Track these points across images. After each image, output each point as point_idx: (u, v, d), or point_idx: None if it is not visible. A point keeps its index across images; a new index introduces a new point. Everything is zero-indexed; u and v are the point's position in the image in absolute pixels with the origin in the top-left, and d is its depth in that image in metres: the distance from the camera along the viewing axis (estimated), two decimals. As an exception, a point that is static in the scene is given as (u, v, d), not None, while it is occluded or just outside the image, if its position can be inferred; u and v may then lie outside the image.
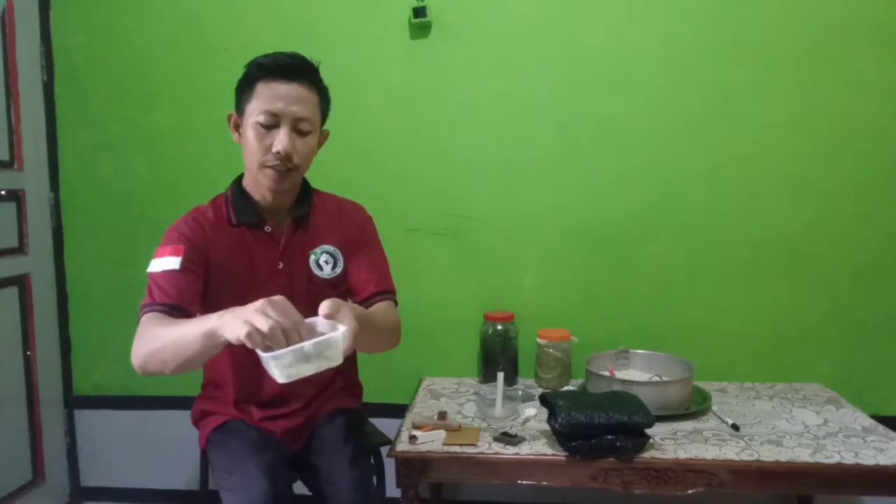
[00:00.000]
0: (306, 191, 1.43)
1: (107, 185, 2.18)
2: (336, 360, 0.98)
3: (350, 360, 1.59)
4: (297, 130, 1.28)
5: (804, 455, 1.44)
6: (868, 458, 1.42)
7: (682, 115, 1.94)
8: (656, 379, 1.77)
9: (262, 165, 1.27)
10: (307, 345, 0.95)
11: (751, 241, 1.95)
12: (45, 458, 2.18)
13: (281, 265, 1.37)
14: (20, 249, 2.09)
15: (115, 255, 2.19)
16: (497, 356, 1.94)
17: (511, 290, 2.05)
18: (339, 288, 1.42)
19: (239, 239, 1.36)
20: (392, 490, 1.54)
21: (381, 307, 1.35)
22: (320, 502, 1.33)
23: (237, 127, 1.34)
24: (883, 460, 1.41)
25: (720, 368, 1.98)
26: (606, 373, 1.78)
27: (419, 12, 1.94)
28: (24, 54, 2.07)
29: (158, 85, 2.11)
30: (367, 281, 1.39)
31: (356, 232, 1.44)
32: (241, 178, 1.41)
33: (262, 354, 0.95)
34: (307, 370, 0.96)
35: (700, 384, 1.83)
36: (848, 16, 1.85)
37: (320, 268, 1.40)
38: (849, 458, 1.42)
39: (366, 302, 1.37)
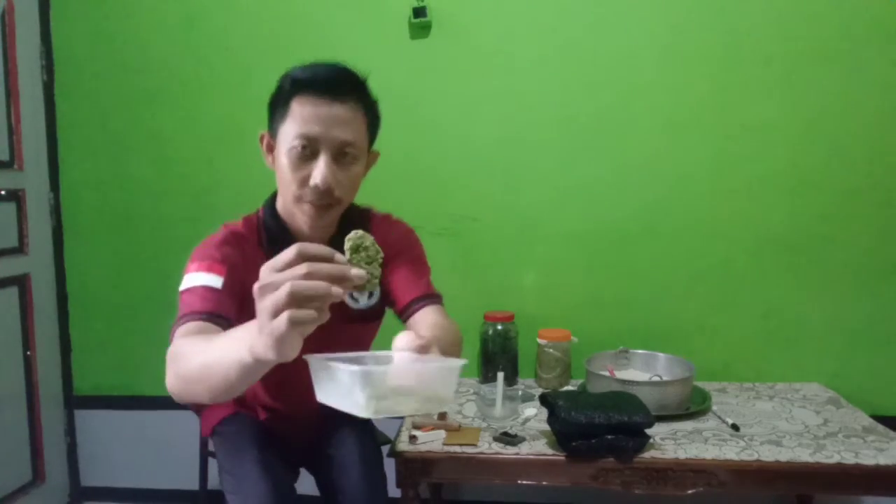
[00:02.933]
0: (352, 218, 1.24)
1: (107, 185, 2.18)
2: (447, 400, 0.73)
3: None
4: (340, 158, 1.09)
5: (804, 455, 1.44)
6: (868, 458, 1.42)
7: (682, 115, 1.94)
8: (656, 379, 1.77)
9: (299, 200, 1.10)
10: (433, 365, 0.72)
11: (751, 242, 1.95)
12: (45, 458, 2.18)
13: None
14: (20, 249, 2.09)
15: (115, 255, 2.20)
16: (497, 356, 1.94)
17: (511, 290, 2.05)
18: (376, 321, 1.32)
19: None
20: (392, 490, 1.54)
21: (436, 320, 1.13)
22: (330, 494, 1.29)
23: (270, 149, 1.15)
24: (883, 460, 1.41)
25: (720, 368, 1.98)
26: (606, 373, 1.78)
27: (419, 12, 1.94)
28: (24, 54, 2.07)
29: (159, 85, 2.11)
30: (409, 283, 1.21)
31: (396, 246, 1.24)
32: (274, 197, 1.23)
33: (343, 368, 0.67)
34: (407, 407, 0.72)
35: (700, 384, 1.83)
36: (848, 16, 1.85)
37: (354, 299, 1.26)
38: (849, 458, 1.42)
39: (410, 307, 1.19)
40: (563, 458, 1.46)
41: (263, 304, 0.63)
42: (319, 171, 1.07)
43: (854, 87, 1.87)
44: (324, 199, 1.10)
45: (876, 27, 1.85)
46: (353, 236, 0.74)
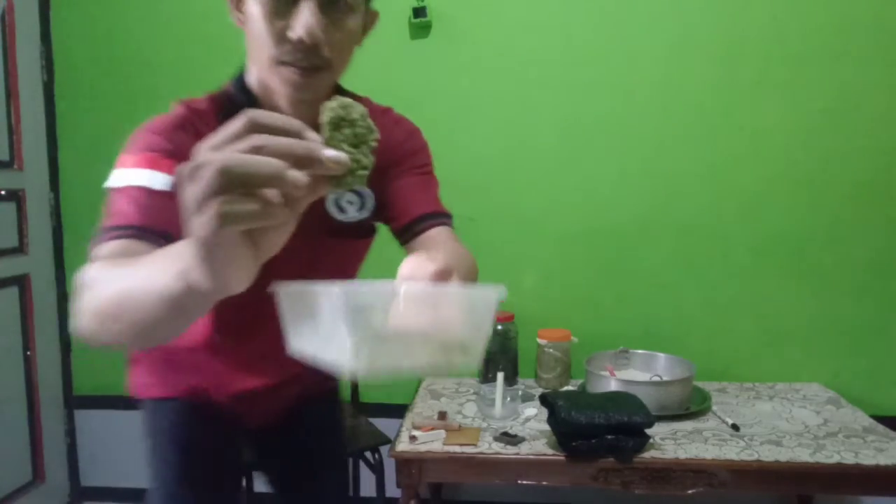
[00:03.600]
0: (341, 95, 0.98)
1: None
2: (476, 348, 0.52)
3: None
4: (330, 7, 0.82)
5: (804, 455, 1.44)
6: (868, 458, 1.42)
7: (681, 115, 1.94)
8: (656, 379, 1.77)
9: (276, 62, 0.82)
10: (456, 293, 0.53)
11: (751, 241, 1.95)
12: (45, 458, 2.18)
13: None
14: (20, 249, 2.09)
15: (115, 255, 2.20)
16: (497, 356, 1.93)
17: (511, 290, 2.04)
18: (367, 237, 1.07)
19: None
20: (392, 490, 1.54)
21: (448, 245, 0.96)
22: (286, 492, 1.15)
23: (238, 4, 0.88)
24: (883, 460, 1.41)
25: (720, 368, 1.98)
26: (606, 373, 1.78)
27: (419, 12, 1.94)
28: (24, 54, 2.07)
29: (159, 84, 2.11)
30: (414, 196, 1.01)
31: (402, 156, 1.03)
32: (241, 76, 0.95)
33: (323, 290, 0.47)
34: (417, 358, 0.49)
35: (700, 384, 1.83)
36: (848, 16, 1.85)
37: (341, 209, 0.97)
38: (849, 458, 1.42)
39: (414, 225, 0.98)
40: (563, 458, 1.46)
41: (186, 195, 0.43)
42: (303, 19, 0.80)
43: (854, 88, 1.87)
44: (309, 58, 0.81)
45: (876, 28, 1.85)
46: (334, 104, 0.51)
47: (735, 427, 1.57)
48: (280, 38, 0.81)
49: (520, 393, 1.77)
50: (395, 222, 1.00)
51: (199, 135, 0.86)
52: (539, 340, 1.92)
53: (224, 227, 0.42)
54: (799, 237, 1.93)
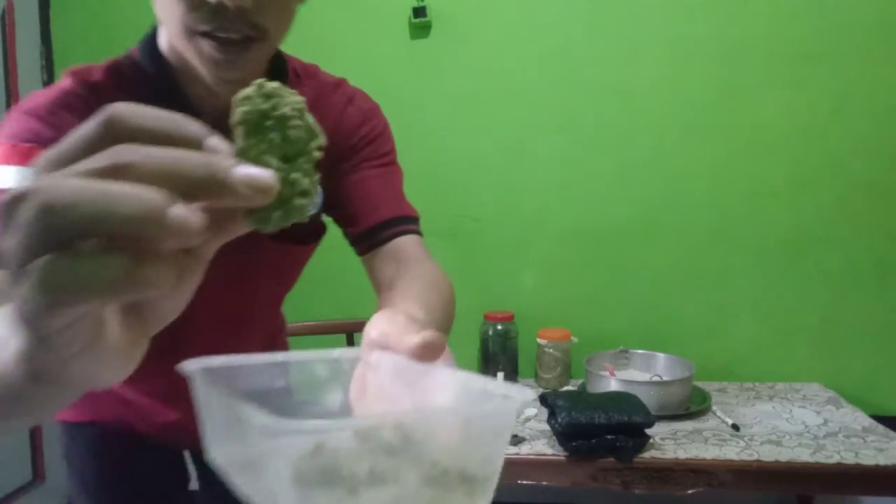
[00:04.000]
0: (278, 76, 0.75)
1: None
2: (488, 483, 0.34)
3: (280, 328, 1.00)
4: None
5: (804, 455, 1.44)
6: (868, 458, 1.42)
7: (681, 114, 1.94)
8: (656, 379, 1.77)
9: (190, 32, 0.64)
10: (464, 408, 0.37)
11: (751, 241, 1.95)
12: (45, 458, 2.18)
13: None
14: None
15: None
16: (497, 356, 1.94)
17: (511, 290, 2.05)
18: (313, 243, 0.89)
19: None
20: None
21: (419, 266, 0.80)
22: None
23: None
24: (883, 460, 1.41)
25: (720, 368, 1.98)
26: (606, 373, 1.78)
27: (419, 12, 1.94)
28: (24, 54, 2.07)
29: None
30: (376, 194, 0.84)
31: (358, 143, 0.85)
32: (153, 40, 0.75)
33: (258, 422, 0.27)
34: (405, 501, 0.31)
35: (700, 384, 1.83)
36: (848, 15, 1.85)
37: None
38: (849, 458, 1.42)
39: (377, 233, 0.81)
40: (563, 458, 1.46)
41: (5, 243, 0.27)
42: None
43: (854, 87, 1.87)
44: (235, 27, 0.63)
45: (876, 27, 1.85)
46: (250, 92, 0.34)
47: (735, 427, 1.57)
48: (195, 2, 0.62)
49: (520, 393, 1.77)
50: (352, 227, 0.81)
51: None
52: (539, 340, 1.92)
53: (56, 303, 0.25)
54: (799, 237, 1.93)
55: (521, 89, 1.99)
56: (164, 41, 0.73)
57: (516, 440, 1.51)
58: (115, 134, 0.27)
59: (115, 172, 0.26)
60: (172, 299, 0.32)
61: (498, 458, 0.34)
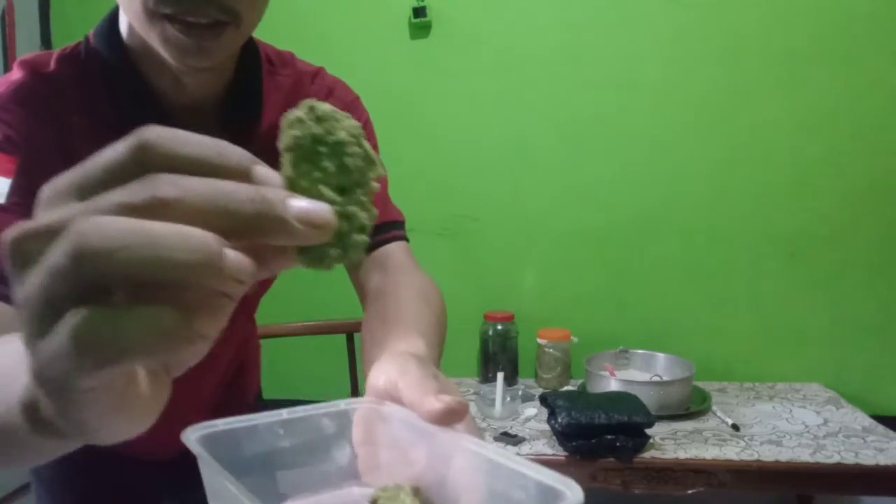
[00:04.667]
0: (251, 64, 0.73)
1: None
2: None
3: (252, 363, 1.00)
4: None
5: (804, 455, 1.44)
6: (868, 458, 1.42)
7: (682, 114, 1.94)
8: (656, 379, 1.77)
9: (151, 14, 0.57)
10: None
11: (751, 241, 1.95)
12: (46, 458, 2.18)
13: None
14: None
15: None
16: (497, 356, 1.94)
17: (511, 290, 2.05)
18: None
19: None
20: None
21: (411, 278, 0.74)
22: None
23: None
24: (883, 460, 1.41)
25: (720, 368, 1.98)
26: (606, 373, 1.78)
27: (419, 12, 1.94)
28: (24, 54, 2.07)
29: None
30: None
31: None
32: (112, 24, 0.67)
33: None
34: None
35: (700, 384, 1.83)
36: (848, 15, 1.85)
37: None
38: (849, 458, 1.42)
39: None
40: (563, 458, 1.46)
41: (20, 291, 0.23)
42: None
43: (855, 87, 1.87)
44: (203, 9, 0.56)
45: (876, 27, 1.85)
46: (301, 114, 0.30)
47: (735, 427, 1.57)
48: None
49: (520, 393, 1.77)
50: None
51: (49, 112, 0.62)
52: (539, 340, 1.92)
53: (94, 364, 0.22)
54: (799, 237, 1.93)
55: (521, 89, 1.99)
56: (124, 25, 0.66)
57: (516, 440, 1.51)
58: (148, 161, 0.24)
59: (156, 209, 0.22)
60: (196, 348, 0.26)
61: None
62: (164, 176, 0.23)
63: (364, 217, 0.30)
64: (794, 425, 1.61)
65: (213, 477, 0.32)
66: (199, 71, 0.62)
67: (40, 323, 0.22)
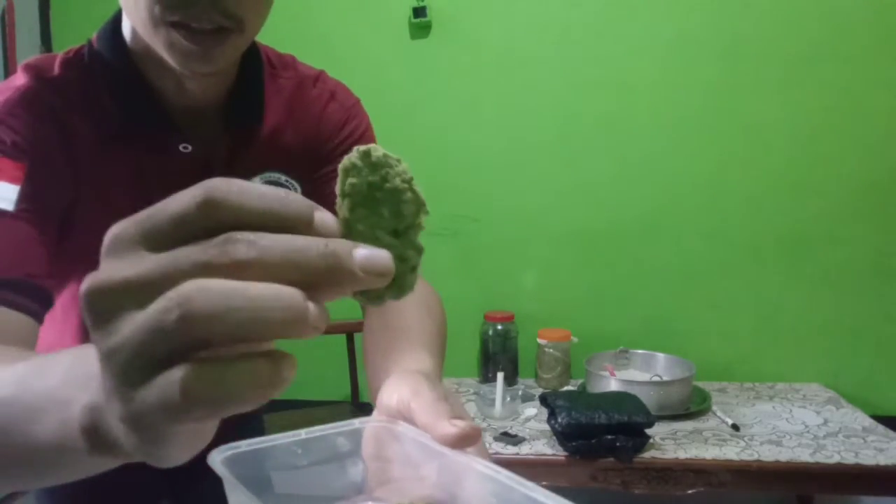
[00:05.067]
0: (253, 66, 0.74)
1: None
2: None
3: None
4: None
5: (804, 455, 1.44)
6: (868, 458, 1.42)
7: (682, 115, 1.94)
8: (656, 379, 1.78)
9: (159, 22, 0.58)
10: None
11: (751, 241, 1.95)
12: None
13: None
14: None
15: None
16: (497, 356, 1.94)
17: (511, 290, 2.05)
18: None
19: (127, 159, 0.68)
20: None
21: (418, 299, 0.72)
22: None
23: None
24: (883, 460, 1.41)
25: (720, 368, 1.98)
26: (606, 373, 1.78)
27: (419, 12, 1.94)
28: (25, 54, 2.07)
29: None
30: None
31: (342, 145, 0.79)
32: (115, 28, 0.68)
33: None
34: None
35: (700, 384, 1.83)
36: (848, 16, 1.85)
37: None
38: (849, 458, 1.42)
39: None
40: (563, 458, 1.46)
41: (113, 340, 0.25)
42: None
43: (855, 87, 1.87)
44: (209, 17, 0.57)
45: (876, 27, 1.85)
46: (356, 160, 0.31)
47: (735, 427, 1.57)
48: None
49: (520, 393, 1.77)
50: None
51: (54, 117, 0.62)
52: (539, 340, 1.92)
53: (196, 414, 0.24)
54: (799, 237, 1.93)
55: (521, 89, 1.99)
56: (127, 29, 0.66)
57: (516, 440, 1.51)
58: (216, 215, 0.25)
59: (240, 268, 0.24)
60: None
61: None
62: (238, 236, 0.25)
63: (416, 258, 0.32)
64: (794, 425, 1.61)
65: (239, 499, 0.35)
66: (203, 76, 0.63)
67: (137, 374, 0.24)
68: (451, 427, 0.38)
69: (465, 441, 0.38)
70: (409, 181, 0.31)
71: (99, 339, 0.25)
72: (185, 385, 0.23)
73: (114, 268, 0.25)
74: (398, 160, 0.32)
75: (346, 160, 0.31)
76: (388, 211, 0.31)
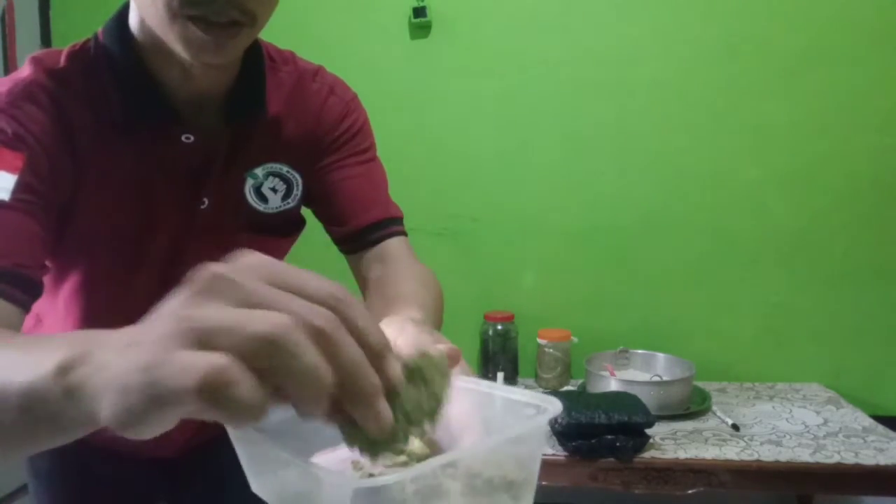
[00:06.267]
0: (254, 60, 0.76)
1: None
2: (528, 487, 0.38)
3: None
4: None
5: (804, 455, 1.44)
6: (868, 458, 1.42)
7: (681, 114, 1.94)
8: (656, 379, 1.77)
9: (174, 15, 0.60)
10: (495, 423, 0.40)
11: (751, 241, 1.95)
12: (45, 458, 2.18)
13: (206, 203, 0.74)
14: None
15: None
16: (497, 356, 1.94)
17: (511, 290, 2.05)
18: (293, 235, 0.86)
19: (129, 150, 0.69)
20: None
21: (410, 270, 0.78)
22: None
23: None
24: (883, 460, 1.41)
25: (720, 368, 1.98)
26: (606, 373, 1.78)
27: (419, 12, 1.94)
28: (25, 54, 2.07)
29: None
30: (362, 193, 0.81)
31: (341, 138, 0.82)
32: (124, 11, 0.70)
33: (327, 479, 0.33)
34: None
35: (700, 384, 1.83)
36: (848, 15, 1.85)
37: (263, 198, 0.77)
38: (849, 458, 1.42)
39: (364, 235, 0.80)
40: (562, 458, 1.46)
41: (208, 312, 0.28)
42: None
43: (856, 87, 1.87)
44: (225, 10, 0.59)
45: (876, 27, 1.85)
46: (421, 359, 0.36)
47: (735, 427, 1.57)
48: None
49: (520, 393, 1.77)
50: (337, 227, 0.80)
51: (58, 108, 0.64)
52: (539, 340, 1.92)
53: (194, 398, 0.26)
54: (800, 237, 1.93)
55: (520, 89, 1.99)
56: (134, 22, 0.68)
57: (516, 440, 1.51)
58: (337, 303, 0.32)
59: (330, 344, 0.29)
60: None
61: (535, 461, 0.38)
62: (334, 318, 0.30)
63: (416, 444, 0.38)
64: (794, 425, 1.61)
65: (252, 443, 0.38)
66: (212, 67, 0.65)
67: (187, 341, 0.27)
68: (434, 351, 0.41)
69: (449, 360, 0.41)
70: (445, 377, 0.36)
71: (183, 302, 0.29)
72: (213, 368, 0.26)
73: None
74: (445, 364, 0.37)
75: (407, 363, 0.36)
76: (416, 398, 0.35)
